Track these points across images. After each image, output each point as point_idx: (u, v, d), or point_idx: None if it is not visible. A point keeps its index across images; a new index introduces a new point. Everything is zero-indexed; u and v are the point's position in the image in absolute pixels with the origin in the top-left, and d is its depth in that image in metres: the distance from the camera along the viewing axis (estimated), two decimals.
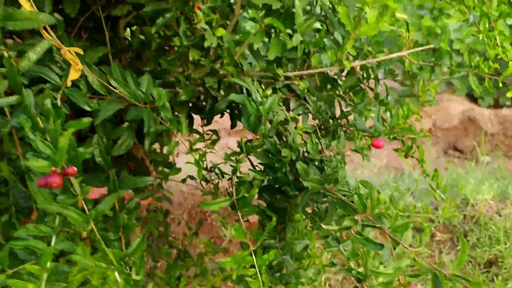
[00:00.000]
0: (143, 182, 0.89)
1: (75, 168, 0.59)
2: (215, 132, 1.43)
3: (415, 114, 0.87)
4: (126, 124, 0.87)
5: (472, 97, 3.80)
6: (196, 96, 1.10)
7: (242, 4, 1.12)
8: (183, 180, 1.47)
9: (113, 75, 0.80)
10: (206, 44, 0.94)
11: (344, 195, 0.75)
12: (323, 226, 0.67)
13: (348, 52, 0.93)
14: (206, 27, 0.97)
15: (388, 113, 1.10)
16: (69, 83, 0.71)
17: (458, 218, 1.89)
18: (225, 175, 1.42)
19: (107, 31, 1.10)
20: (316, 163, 0.88)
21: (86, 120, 0.72)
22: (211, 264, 1.66)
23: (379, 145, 0.83)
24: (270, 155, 0.87)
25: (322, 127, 1.15)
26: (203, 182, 1.45)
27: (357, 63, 0.93)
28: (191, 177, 1.46)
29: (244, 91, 0.98)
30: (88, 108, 0.74)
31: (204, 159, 1.01)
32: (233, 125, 1.21)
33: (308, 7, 1.18)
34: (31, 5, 0.66)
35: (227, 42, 1.02)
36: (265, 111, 0.86)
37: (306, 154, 0.89)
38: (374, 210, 0.63)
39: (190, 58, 1.02)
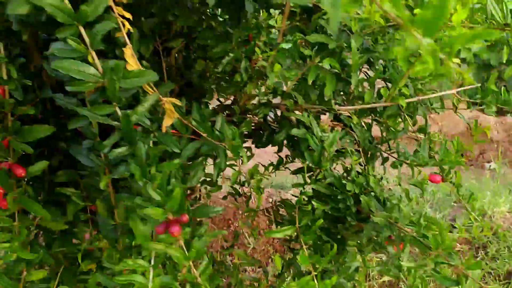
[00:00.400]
0: (214, 212, 0.96)
1: (187, 216, 0.66)
2: (249, 149, 1.50)
3: (467, 150, 0.94)
4: (200, 158, 0.93)
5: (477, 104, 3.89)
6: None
7: (284, 33, 1.19)
8: (224, 197, 1.53)
9: (193, 116, 0.86)
10: (269, 82, 1.00)
11: (410, 229, 0.82)
12: (402, 263, 0.74)
13: (400, 89, 1.01)
14: (266, 64, 1.04)
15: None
16: (164, 129, 0.77)
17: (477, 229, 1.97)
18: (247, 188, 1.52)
19: (164, 62, 1.16)
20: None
21: (177, 161, 0.78)
22: (244, 275, 1.73)
23: (437, 180, 0.90)
24: (333, 187, 0.94)
25: (365, 153, 1.22)
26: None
27: (408, 100, 1.00)
28: (232, 194, 1.53)
29: (302, 126, 1.05)
30: (177, 150, 0.81)
31: (261, 186, 1.08)
32: (280, 149, 1.29)
33: None
34: (136, 61, 0.72)
35: (282, 77, 1.08)
36: (329, 146, 0.93)
37: (365, 186, 0.96)
38: (448, 248, 0.71)
39: (248, 92, 1.08)
